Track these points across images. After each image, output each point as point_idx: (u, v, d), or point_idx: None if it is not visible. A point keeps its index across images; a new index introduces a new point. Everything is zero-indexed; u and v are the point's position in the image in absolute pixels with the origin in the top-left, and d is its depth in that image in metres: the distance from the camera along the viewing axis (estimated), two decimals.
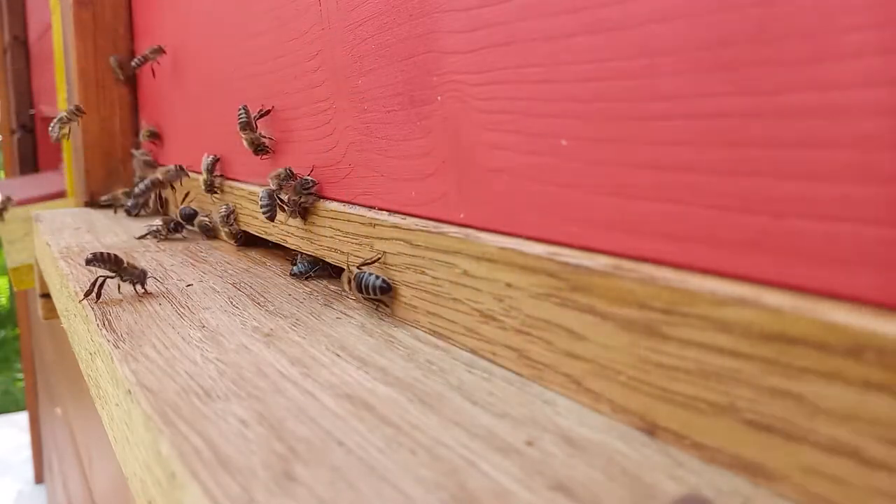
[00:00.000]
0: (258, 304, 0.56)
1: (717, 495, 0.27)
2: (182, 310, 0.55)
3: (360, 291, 0.50)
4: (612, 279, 0.32)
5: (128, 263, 0.60)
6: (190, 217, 0.88)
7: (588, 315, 0.34)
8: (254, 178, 0.76)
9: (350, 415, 0.35)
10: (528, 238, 0.38)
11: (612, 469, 0.29)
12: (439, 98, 0.44)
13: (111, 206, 1.13)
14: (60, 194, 1.66)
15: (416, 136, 0.47)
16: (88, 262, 0.61)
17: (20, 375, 3.62)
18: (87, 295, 0.58)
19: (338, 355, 0.44)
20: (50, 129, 1.13)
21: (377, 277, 0.49)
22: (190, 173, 0.92)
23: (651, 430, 0.31)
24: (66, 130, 1.14)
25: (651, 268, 0.31)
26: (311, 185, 0.60)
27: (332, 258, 0.59)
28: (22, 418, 3.27)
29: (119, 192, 1.13)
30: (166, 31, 1.06)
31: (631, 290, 0.31)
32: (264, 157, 0.70)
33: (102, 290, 0.59)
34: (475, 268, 0.41)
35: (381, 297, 0.49)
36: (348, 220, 0.55)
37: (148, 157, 1.16)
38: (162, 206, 1.06)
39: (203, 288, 0.62)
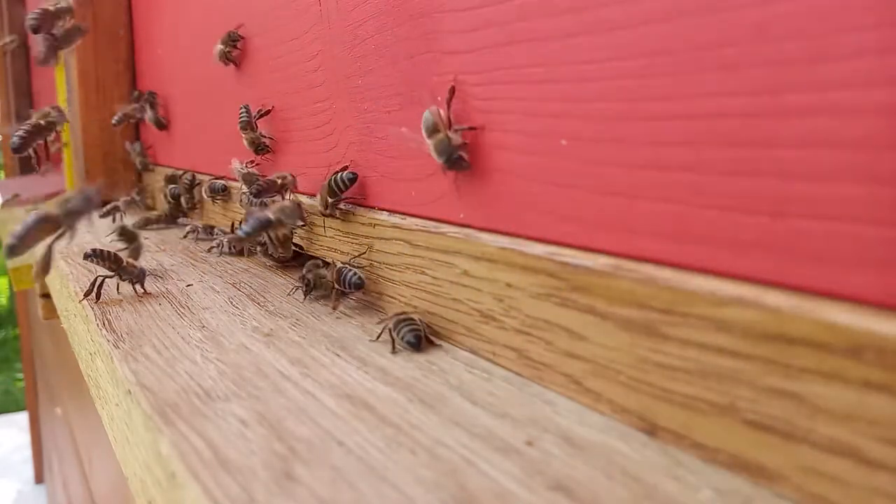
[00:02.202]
0: (258, 304, 0.56)
1: (717, 495, 0.27)
2: (182, 310, 0.55)
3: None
4: (612, 279, 0.32)
5: (126, 262, 0.60)
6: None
7: (588, 315, 0.34)
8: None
9: (350, 415, 0.35)
10: (528, 238, 0.38)
11: (612, 469, 0.29)
12: (439, 98, 0.44)
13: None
14: (60, 194, 1.66)
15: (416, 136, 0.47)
16: (87, 257, 0.61)
17: (20, 375, 3.62)
18: (86, 295, 0.58)
19: (338, 355, 0.44)
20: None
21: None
22: (198, 176, 0.92)
23: (651, 430, 0.31)
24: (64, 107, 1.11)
25: (651, 268, 0.31)
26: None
27: (333, 258, 0.59)
28: (22, 418, 3.26)
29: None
30: (166, 32, 1.06)
31: (631, 290, 0.31)
32: (264, 156, 0.70)
33: (102, 290, 0.59)
34: (475, 268, 0.41)
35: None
36: (348, 220, 0.55)
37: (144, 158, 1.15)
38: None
39: (203, 288, 0.62)
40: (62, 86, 1.35)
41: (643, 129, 0.31)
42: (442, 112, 0.42)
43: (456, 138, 0.40)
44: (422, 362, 0.42)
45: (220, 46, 0.77)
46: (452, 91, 0.41)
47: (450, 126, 0.41)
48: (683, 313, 0.29)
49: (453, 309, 0.44)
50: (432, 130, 0.41)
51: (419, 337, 0.44)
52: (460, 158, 0.40)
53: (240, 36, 0.75)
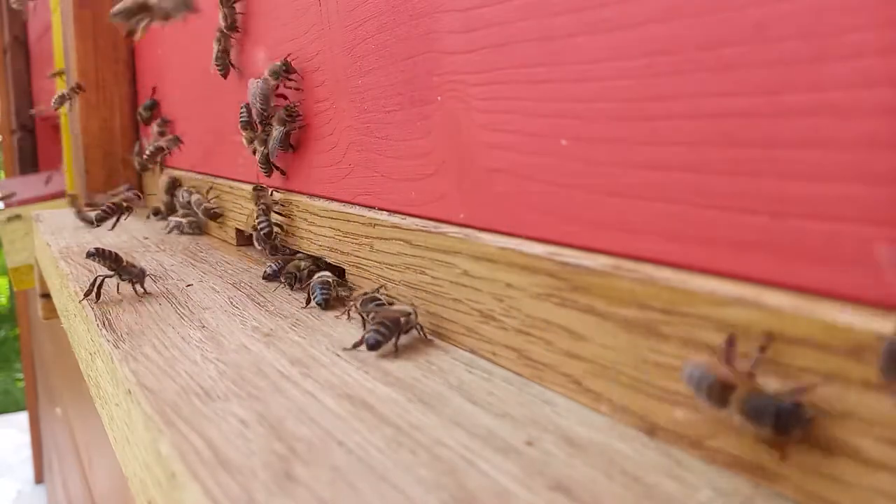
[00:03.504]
0: (258, 304, 0.56)
1: (717, 495, 0.27)
2: (182, 310, 0.55)
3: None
4: (612, 279, 0.32)
5: (127, 262, 0.60)
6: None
7: (588, 315, 0.34)
8: (249, 178, 0.76)
9: (350, 415, 0.35)
10: (528, 238, 0.38)
11: (612, 469, 0.29)
12: (439, 98, 0.44)
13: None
14: (60, 194, 1.66)
15: (416, 136, 0.47)
16: (89, 255, 0.61)
17: (20, 375, 3.62)
18: (86, 295, 0.58)
19: (338, 355, 0.44)
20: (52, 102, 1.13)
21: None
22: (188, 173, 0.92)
23: (651, 430, 0.31)
24: (64, 106, 1.14)
25: (651, 268, 0.31)
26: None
27: (332, 258, 0.59)
28: (22, 418, 3.26)
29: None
30: (166, 32, 1.06)
31: (631, 290, 0.31)
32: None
33: (102, 290, 0.59)
34: (475, 268, 0.41)
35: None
36: (348, 220, 0.55)
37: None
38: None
39: (203, 288, 0.62)
40: (62, 86, 1.35)
41: (643, 129, 0.31)
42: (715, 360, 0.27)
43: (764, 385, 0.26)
44: (422, 362, 0.42)
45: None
46: (731, 340, 0.27)
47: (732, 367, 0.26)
48: (683, 313, 0.29)
49: (453, 309, 0.44)
50: (719, 390, 0.27)
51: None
52: (798, 407, 0.25)
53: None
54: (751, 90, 0.27)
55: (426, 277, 0.46)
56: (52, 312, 1.07)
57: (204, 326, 0.50)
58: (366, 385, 0.39)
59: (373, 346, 0.43)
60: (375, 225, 0.51)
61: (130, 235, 0.91)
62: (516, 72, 0.37)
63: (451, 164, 0.43)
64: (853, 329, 0.24)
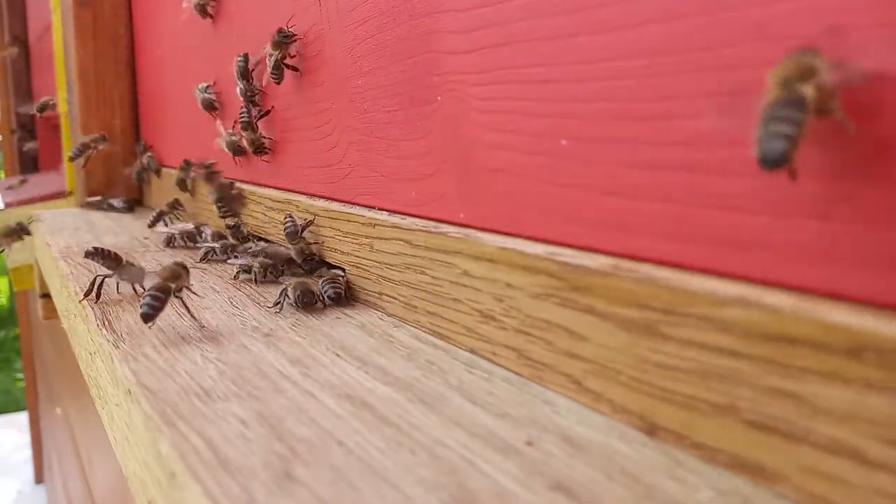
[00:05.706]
0: (258, 304, 0.56)
1: (717, 495, 0.27)
2: (182, 310, 0.55)
3: None
4: (612, 279, 0.32)
5: (126, 262, 0.60)
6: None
7: (588, 315, 0.34)
8: (255, 179, 0.76)
9: (350, 415, 0.35)
10: (528, 238, 0.38)
11: (612, 469, 0.29)
12: (439, 98, 0.44)
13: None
14: (60, 194, 1.66)
15: (416, 136, 0.47)
16: (88, 255, 0.61)
17: (20, 375, 3.62)
18: (86, 295, 0.58)
19: (338, 355, 0.44)
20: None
21: None
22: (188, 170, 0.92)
23: (651, 430, 0.31)
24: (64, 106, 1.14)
25: (651, 268, 0.31)
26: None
27: (333, 258, 0.59)
28: (22, 418, 3.26)
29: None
30: (166, 32, 1.06)
31: (631, 290, 0.31)
32: (264, 156, 0.71)
33: (102, 290, 0.59)
34: (475, 268, 0.41)
35: None
36: (348, 220, 0.55)
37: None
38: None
39: (203, 288, 0.62)
40: (62, 86, 1.35)
41: (643, 129, 0.31)
42: None
43: None
44: (422, 362, 0.42)
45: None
46: None
47: None
48: (683, 313, 0.29)
49: (453, 309, 0.44)
50: None
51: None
52: None
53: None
54: (751, 90, 0.26)
55: (426, 277, 0.46)
56: (52, 312, 1.07)
57: (204, 326, 0.50)
58: (366, 385, 0.39)
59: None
60: (375, 225, 0.51)
61: (131, 235, 0.91)
62: (516, 72, 0.37)
63: (451, 164, 0.43)
64: (853, 329, 0.24)
